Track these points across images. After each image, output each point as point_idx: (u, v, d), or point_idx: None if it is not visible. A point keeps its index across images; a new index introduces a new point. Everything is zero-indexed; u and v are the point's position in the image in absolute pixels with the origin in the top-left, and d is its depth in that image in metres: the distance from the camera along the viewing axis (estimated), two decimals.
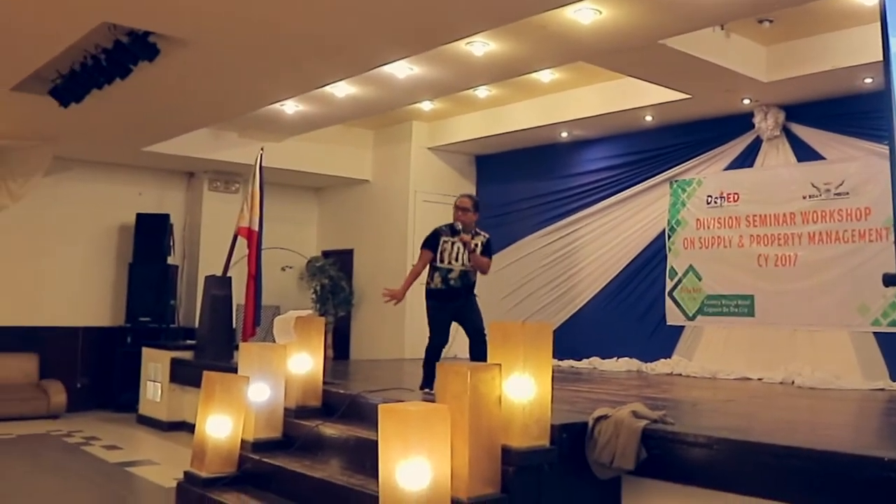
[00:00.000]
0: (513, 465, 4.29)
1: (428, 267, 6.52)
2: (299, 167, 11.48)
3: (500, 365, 4.39)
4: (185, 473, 5.76)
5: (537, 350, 4.54)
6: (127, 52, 6.36)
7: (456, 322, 6.49)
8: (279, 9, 5.67)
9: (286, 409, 6.02)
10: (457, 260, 6.41)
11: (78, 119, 8.26)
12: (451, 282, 6.39)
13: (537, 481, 4.38)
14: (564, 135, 10.69)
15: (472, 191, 11.45)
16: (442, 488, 3.98)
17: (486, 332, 6.41)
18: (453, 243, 6.44)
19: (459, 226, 6.47)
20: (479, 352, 6.36)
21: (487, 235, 6.65)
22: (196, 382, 6.60)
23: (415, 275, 6.62)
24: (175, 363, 9.47)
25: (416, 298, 6.91)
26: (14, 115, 8.54)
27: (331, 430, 5.65)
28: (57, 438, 8.82)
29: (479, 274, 6.59)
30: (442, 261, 6.43)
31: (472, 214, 6.55)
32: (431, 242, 6.53)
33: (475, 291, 6.58)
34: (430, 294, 6.49)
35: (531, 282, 11.16)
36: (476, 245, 6.46)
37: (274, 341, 6.81)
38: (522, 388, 4.42)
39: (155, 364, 9.82)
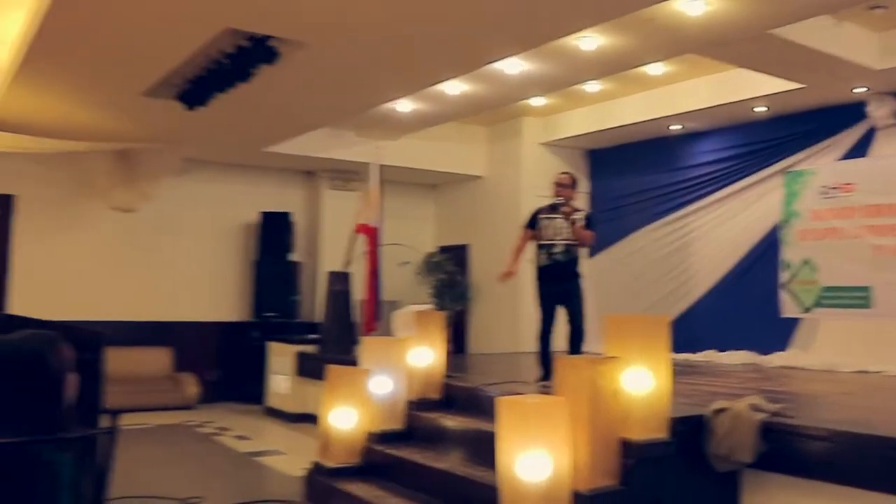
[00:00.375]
0: (632, 457, 4.32)
1: (536, 247, 6.69)
2: (415, 165, 11.71)
3: (617, 358, 4.45)
4: (312, 463, 5.99)
5: (654, 342, 4.57)
6: (248, 56, 6.60)
7: (558, 306, 6.60)
8: (392, 10, 5.81)
9: (408, 402, 6.17)
10: (559, 235, 6.52)
11: (203, 122, 8.62)
12: (556, 256, 6.52)
13: (656, 474, 4.41)
14: (676, 127, 10.57)
15: (585, 185, 11.50)
16: (562, 480, 4.05)
17: (583, 322, 6.52)
18: (554, 219, 6.55)
19: (559, 201, 6.58)
20: (573, 340, 6.48)
21: (588, 210, 6.75)
22: (320, 375, 6.83)
23: (516, 250, 6.82)
24: (300, 357, 9.81)
25: (530, 294, 7.04)
26: (145, 120, 8.96)
27: (451, 422, 5.77)
28: (190, 428, 9.28)
29: (584, 254, 6.71)
30: (545, 237, 6.57)
31: (570, 190, 6.68)
32: (530, 221, 6.72)
33: (579, 272, 6.66)
34: (538, 273, 6.65)
35: (646, 275, 11.09)
36: (577, 219, 6.55)
37: (394, 335, 7.02)
38: (640, 381, 4.46)
39: (281, 357, 10.20)
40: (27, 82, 7.63)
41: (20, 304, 9.88)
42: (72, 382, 2.77)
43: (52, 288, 10.22)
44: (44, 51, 6.72)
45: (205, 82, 7.30)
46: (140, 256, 11.07)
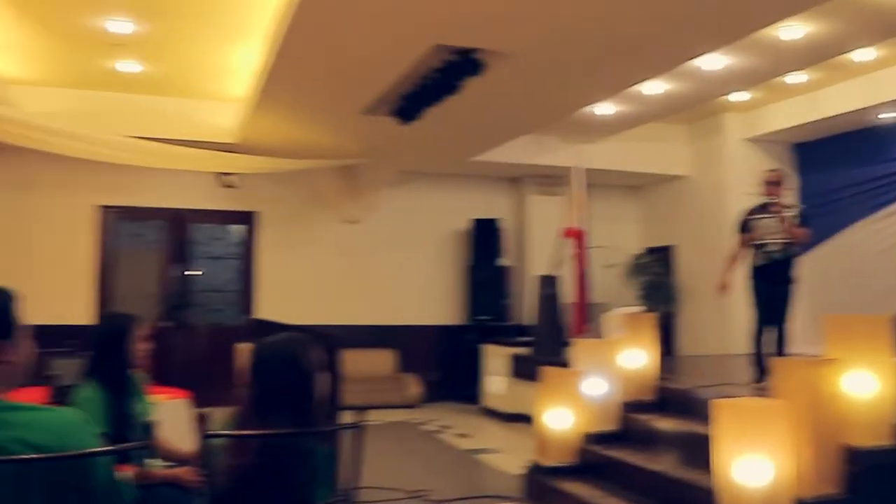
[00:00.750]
0: (856, 464, 4.20)
1: (750, 247, 6.60)
2: (617, 167, 11.69)
3: (839, 359, 4.35)
4: (530, 462, 6.19)
5: (877, 344, 4.41)
6: (456, 69, 6.85)
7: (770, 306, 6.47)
8: (592, 15, 5.90)
9: (621, 403, 6.24)
10: (772, 234, 6.39)
11: (416, 135, 9.00)
12: (773, 255, 6.41)
13: (883, 482, 4.26)
14: (889, 115, 9.93)
15: (794, 180, 11.08)
16: (782, 486, 4.00)
17: (785, 324, 6.35)
18: (765, 218, 6.43)
19: (769, 200, 6.45)
20: (776, 342, 6.33)
21: (800, 207, 6.58)
22: (533, 376, 7.02)
23: (730, 259, 6.73)
24: (513, 358, 10.03)
25: (739, 294, 6.94)
26: (364, 136, 9.50)
27: (664, 424, 5.81)
28: (415, 426, 9.72)
29: (798, 253, 6.54)
30: (758, 238, 6.46)
31: (780, 187, 6.52)
32: (741, 224, 6.61)
33: (795, 276, 6.49)
34: (752, 272, 6.55)
35: (862, 272, 10.44)
36: (789, 216, 6.39)
37: (604, 337, 7.12)
38: (863, 384, 4.34)
39: (495, 359, 10.47)
40: (266, 110, 8.43)
41: (265, 309, 10.88)
42: (322, 381, 3.07)
43: (290, 295, 11.14)
44: (279, 82, 7.43)
45: (417, 97, 7.65)
46: (365, 264, 11.76)
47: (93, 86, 9.23)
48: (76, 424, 2.19)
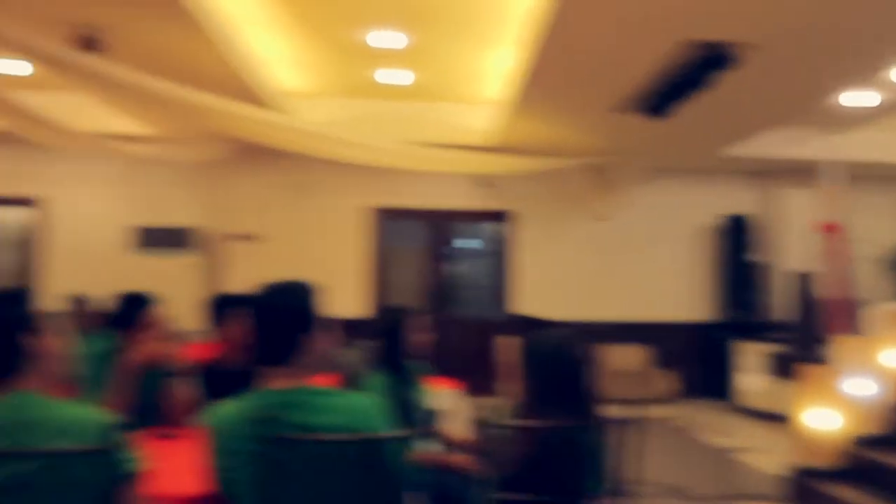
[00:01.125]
0: None
1: None
2: (873, 158, 11.07)
3: None
4: (792, 463, 6.10)
5: None
6: (706, 64, 6.75)
7: None
8: (845, 6, 5.72)
9: (889, 404, 6.00)
10: None
11: (664, 132, 8.97)
12: None
13: None
14: None
15: None
16: None
17: None
18: None
19: None
20: None
21: None
22: (788, 374, 6.83)
23: None
24: (768, 356, 9.83)
25: None
26: (613, 134, 9.63)
27: None
28: (668, 422, 9.75)
29: None
30: None
31: None
32: None
33: None
34: None
35: None
36: None
37: (865, 335, 6.81)
38: None
39: (748, 356, 10.30)
40: (523, 112, 8.84)
41: (522, 304, 11.42)
42: (588, 374, 3.27)
43: (545, 290, 11.59)
44: (537, 85, 7.78)
45: (666, 94, 7.62)
46: (616, 261, 11.94)
47: (360, 94, 10.07)
48: (374, 409, 2.48)
